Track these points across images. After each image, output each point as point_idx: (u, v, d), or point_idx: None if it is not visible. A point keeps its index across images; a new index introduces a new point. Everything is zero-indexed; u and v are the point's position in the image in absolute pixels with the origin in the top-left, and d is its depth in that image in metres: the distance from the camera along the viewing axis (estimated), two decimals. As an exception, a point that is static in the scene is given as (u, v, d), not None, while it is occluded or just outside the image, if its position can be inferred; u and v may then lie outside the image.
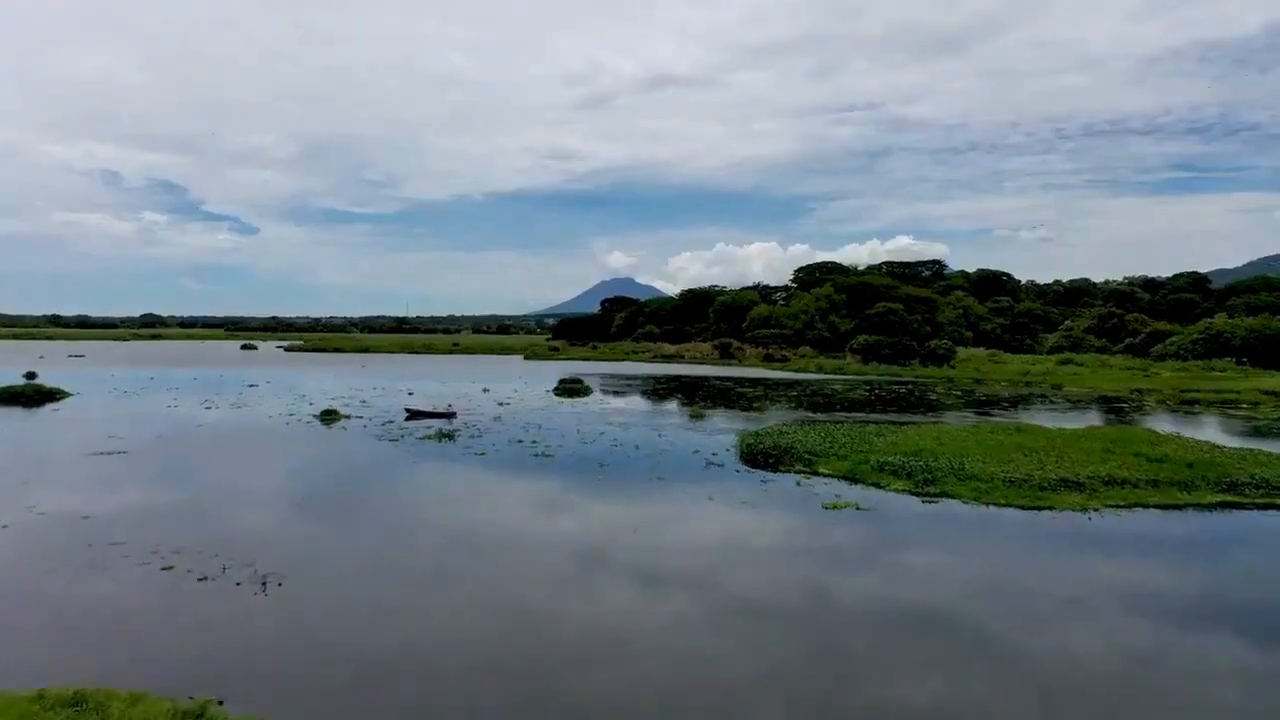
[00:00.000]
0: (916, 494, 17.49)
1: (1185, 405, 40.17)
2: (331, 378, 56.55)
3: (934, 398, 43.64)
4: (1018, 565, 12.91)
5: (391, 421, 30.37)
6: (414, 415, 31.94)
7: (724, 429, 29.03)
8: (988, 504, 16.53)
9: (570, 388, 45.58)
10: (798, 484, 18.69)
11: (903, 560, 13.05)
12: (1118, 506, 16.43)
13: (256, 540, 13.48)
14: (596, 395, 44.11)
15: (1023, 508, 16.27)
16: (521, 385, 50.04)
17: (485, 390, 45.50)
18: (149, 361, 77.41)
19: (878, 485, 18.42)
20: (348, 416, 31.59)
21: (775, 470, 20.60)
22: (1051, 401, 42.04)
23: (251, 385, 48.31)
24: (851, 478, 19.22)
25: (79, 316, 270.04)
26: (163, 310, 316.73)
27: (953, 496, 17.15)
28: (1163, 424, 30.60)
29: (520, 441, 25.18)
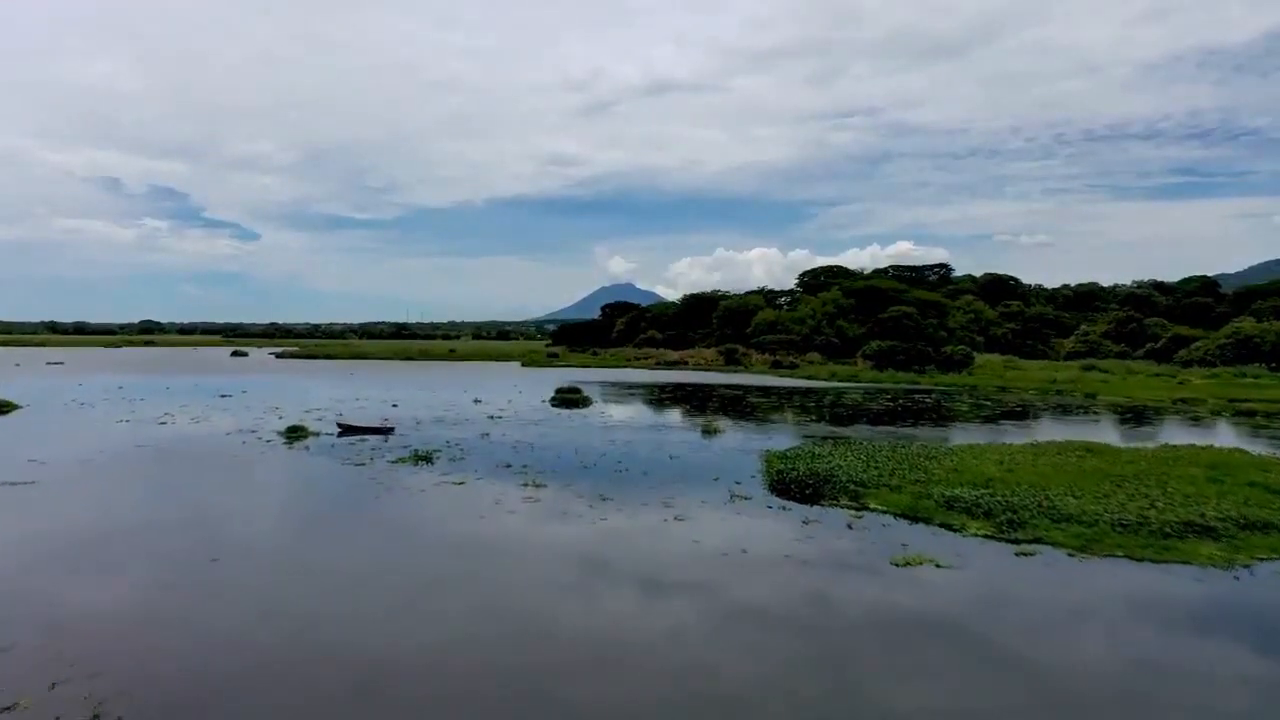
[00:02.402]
0: (1002, 540, 13.84)
1: (1243, 417, 36.51)
2: (315, 386, 52.93)
3: (963, 408, 40.03)
4: (1209, 668, 9.25)
5: (365, 440, 26.72)
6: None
7: (741, 447, 25.39)
8: (1099, 556, 12.88)
9: (568, 398, 41.95)
10: (849, 526, 15.02)
11: (1045, 664, 9.38)
12: (1268, 559, 12.80)
13: (127, 632, 9.83)
14: (597, 406, 40.49)
15: (1141, 560, 12.63)
16: (516, 395, 46.42)
17: (476, 401, 41.85)
18: (130, 369, 73.85)
19: (949, 527, 14.76)
20: (316, 434, 27.94)
21: (814, 503, 16.97)
22: (1093, 413, 38.40)
23: (223, 395, 44.66)
24: (913, 516, 15.57)
25: (77, 323, 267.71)
26: (163, 317, 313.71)
27: (1050, 544, 13.50)
28: (1238, 441, 26.98)
29: (508, 466, 21.51)
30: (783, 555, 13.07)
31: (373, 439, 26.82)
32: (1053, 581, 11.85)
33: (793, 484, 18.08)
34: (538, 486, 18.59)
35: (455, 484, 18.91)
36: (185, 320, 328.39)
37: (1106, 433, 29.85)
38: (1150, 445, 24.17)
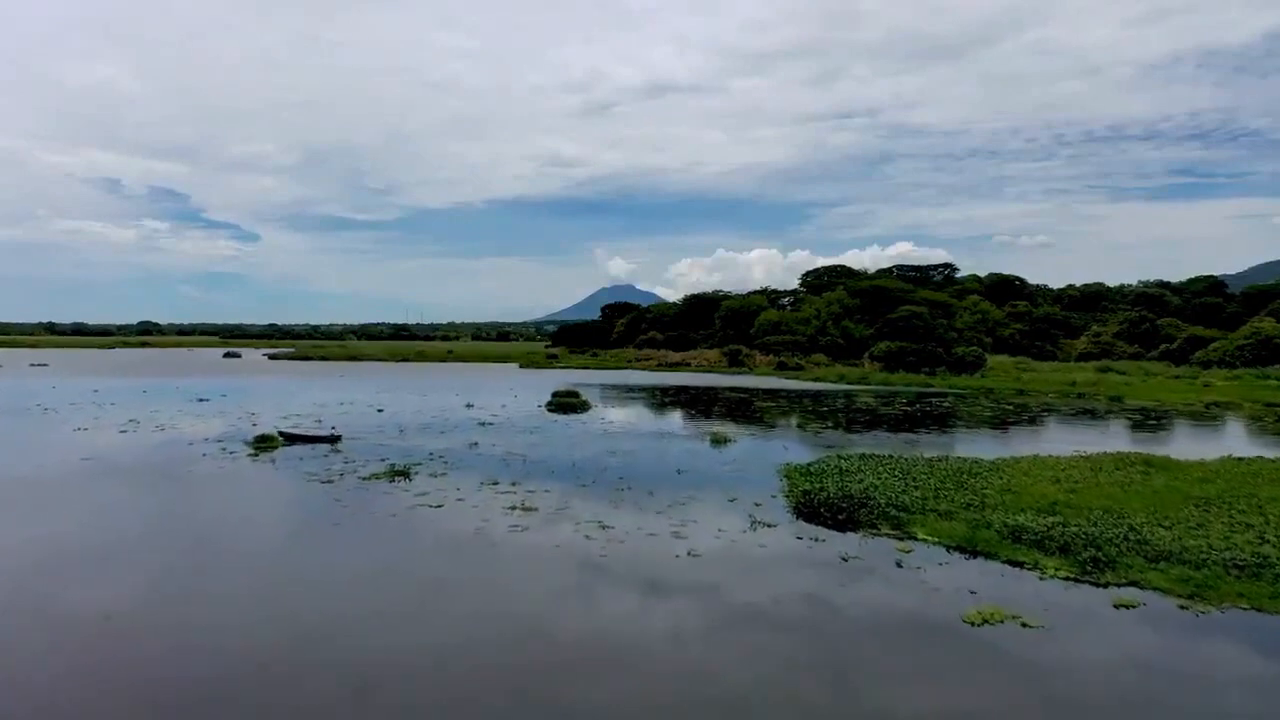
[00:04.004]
0: (1088, 584, 11.34)
1: (1289, 423, 34.03)
2: (301, 390, 50.42)
3: (986, 413, 37.53)
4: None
5: (339, 451, 24.22)
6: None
7: (756, 459, 22.90)
8: (1218, 607, 10.38)
9: (565, 402, 39.46)
10: (898, 564, 12.51)
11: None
12: None
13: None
14: (596, 410, 38.02)
15: (1275, 614, 10.14)
16: (511, 399, 43.92)
17: (468, 406, 39.35)
18: (115, 371, 71.41)
19: (1018, 565, 12.27)
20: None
21: (848, 529, 14.51)
22: (1128, 418, 35.90)
23: (201, 399, 42.17)
24: (971, 549, 13.07)
25: (75, 324, 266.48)
26: (162, 318, 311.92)
27: (1150, 590, 11.02)
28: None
29: (495, 483, 19.00)
30: (826, 608, 10.55)
31: (353, 449, 24.32)
32: (1177, 647, 9.35)
33: (822, 507, 15.57)
34: (527, 510, 16.07)
35: (432, 507, 16.39)
36: (185, 321, 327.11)
37: (1151, 441, 27.37)
38: (1210, 457, 21.72)
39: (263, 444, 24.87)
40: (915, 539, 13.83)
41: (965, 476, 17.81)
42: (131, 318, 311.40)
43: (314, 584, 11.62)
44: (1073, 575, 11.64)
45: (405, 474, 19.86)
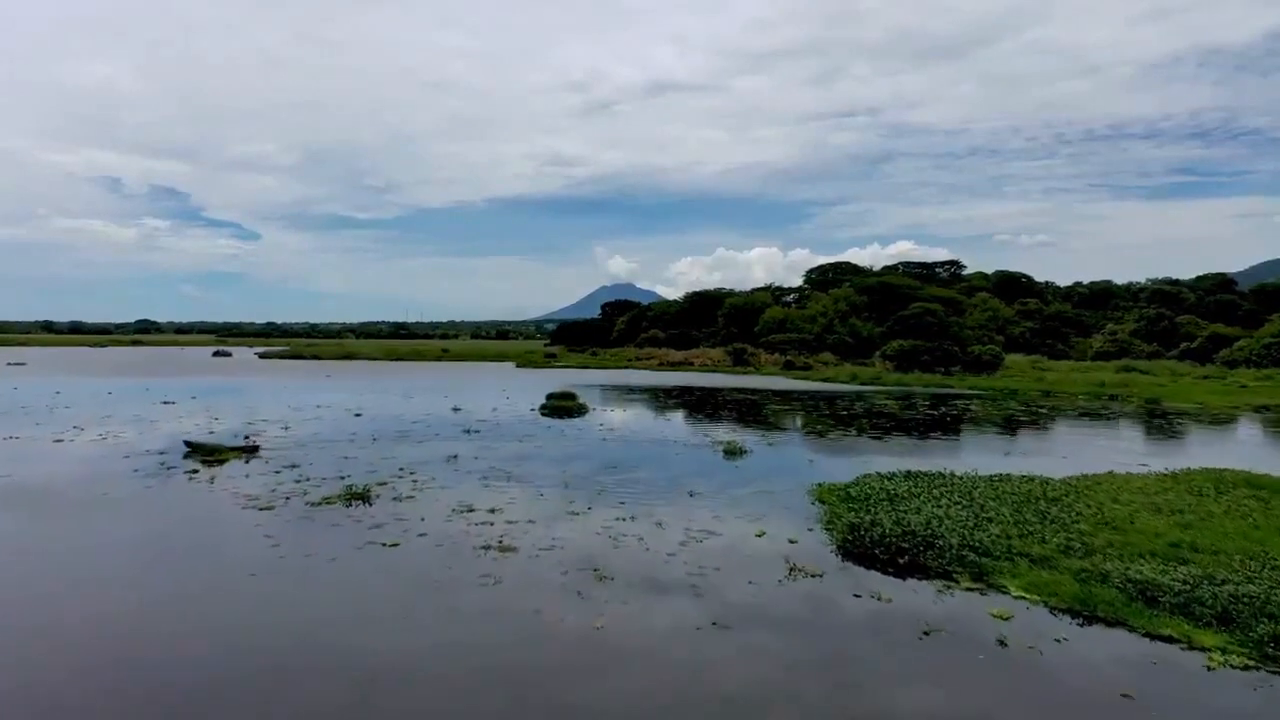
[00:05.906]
0: (1275, 673, 8.14)
1: (1358, 429, 30.81)
2: (281, 390, 47.16)
3: (1021, 417, 34.28)
4: None
5: (296, 466, 20.94)
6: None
7: (779, 474, 19.64)
8: None
9: (561, 406, 36.21)
10: (1001, 642, 9.18)
11: None
12: None
13: None
14: (594, 414, 34.77)
15: None
16: (504, 401, 40.67)
17: (455, 409, 36.11)
18: (95, 370, 68.23)
19: (1161, 638, 9.03)
20: (241, 454, 22.24)
21: (912, 575, 11.28)
22: (1178, 424, 32.66)
23: (166, 401, 38.91)
24: (1087, 613, 9.81)
25: (73, 323, 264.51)
26: (161, 317, 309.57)
27: (1369, 688, 7.82)
28: None
29: (470, 509, 15.71)
30: (925, 728, 7.31)
31: (313, 461, 21.04)
32: None
33: (877, 547, 12.31)
34: (503, 551, 12.79)
35: (386, 546, 13.10)
36: (184, 320, 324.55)
37: (1222, 452, 24.08)
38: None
39: (211, 455, 21.64)
40: (1007, 594, 10.58)
41: (1043, 503, 14.55)
42: (131, 316, 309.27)
43: (174, 679, 8.38)
44: (1252, 663, 8.39)
45: (364, 497, 16.60)
